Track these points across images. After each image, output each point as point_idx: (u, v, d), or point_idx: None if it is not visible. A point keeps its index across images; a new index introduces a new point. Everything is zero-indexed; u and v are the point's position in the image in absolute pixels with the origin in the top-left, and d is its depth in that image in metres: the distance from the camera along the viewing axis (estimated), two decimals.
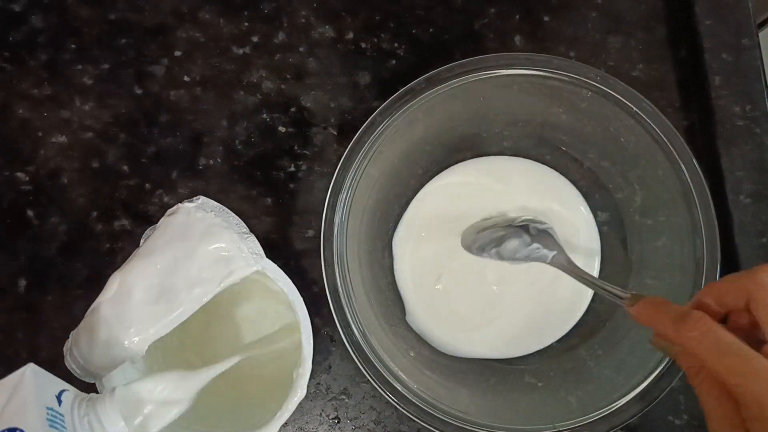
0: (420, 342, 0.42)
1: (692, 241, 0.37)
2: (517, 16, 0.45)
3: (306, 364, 0.35)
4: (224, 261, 0.33)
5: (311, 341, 0.35)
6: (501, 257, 0.39)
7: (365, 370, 0.36)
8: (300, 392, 0.35)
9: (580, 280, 0.37)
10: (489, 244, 0.40)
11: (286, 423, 0.35)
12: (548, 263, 0.39)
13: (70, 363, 0.31)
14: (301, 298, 0.35)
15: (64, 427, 0.25)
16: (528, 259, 0.39)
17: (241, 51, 0.45)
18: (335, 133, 0.45)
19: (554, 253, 0.39)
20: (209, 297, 0.32)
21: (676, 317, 0.27)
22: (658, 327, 0.29)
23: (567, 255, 0.39)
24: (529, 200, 0.42)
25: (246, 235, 0.34)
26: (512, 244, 0.39)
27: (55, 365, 0.43)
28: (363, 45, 0.45)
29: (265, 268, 0.34)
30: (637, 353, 0.38)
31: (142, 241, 0.34)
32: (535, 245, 0.39)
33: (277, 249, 0.44)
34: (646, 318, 0.30)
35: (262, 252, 0.34)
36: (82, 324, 0.32)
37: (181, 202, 0.34)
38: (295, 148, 0.45)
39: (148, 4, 0.46)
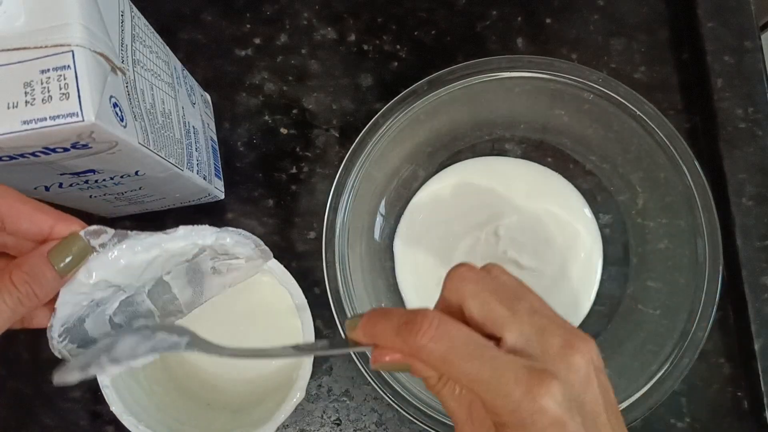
0: None
1: (694, 244, 0.37)
2: (519, 19, 0.45)
3: (306, 365, 0.35)
4: (235, 264, 0.33)
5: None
6: (117, 363, 0.26)
7: (366, 372, 0.36)
8: (299, 393, 0.35)
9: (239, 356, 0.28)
10: (95, 357, 0.26)
11: (287, 425, 0.35)
12: (184, 350, 0.28)
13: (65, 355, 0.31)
14: (305, 300, 0.35)
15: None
16: (155, 351, 0.27)
17: (243, 53, 0.46)
18: (337, 134, 0.45)
19: (186, 339, 0.28)
20: (218, 294, 0.33)
21: (400, 324, 0.23)
22: (382, 341, 0.24)
23: (201, 337, 0.29)
24: (531, 202, 0.42)
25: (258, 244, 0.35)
26: (126, 343, 0.27)
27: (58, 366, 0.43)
28: (365, 47, 0.45)
29: (272, 267, 0.34)
30: (639, 356, 0.38)
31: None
32: (162, 335, 0.27)
33: (278, 251, 0.44)
34: (370, 334, 0.24)
35: (270, 254, 0.35)
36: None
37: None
38: (297, 149, 0.45)
39: (150, 5, 0.46)
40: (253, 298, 0.41)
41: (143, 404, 0.36)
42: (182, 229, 0.32)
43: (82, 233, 0.29)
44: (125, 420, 0.33)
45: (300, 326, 0.36)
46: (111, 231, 0.31)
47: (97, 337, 0.30)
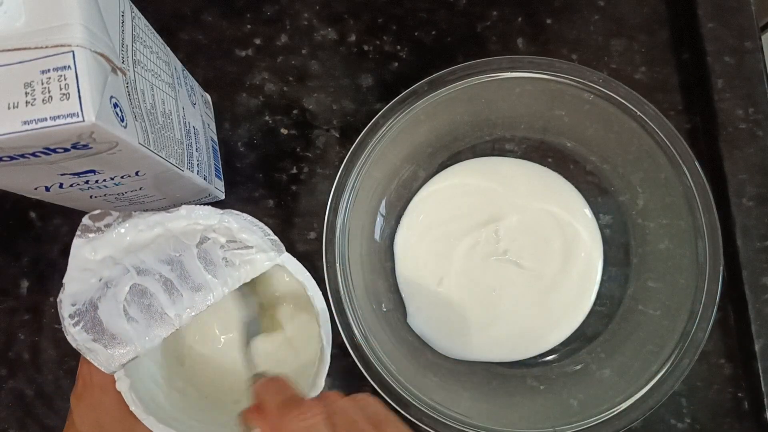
0: (422, 345, 0.42)
1: (695, 244, 0.37)
2: (520, 19, 0.45)
3: (322, 371, 0.35)
4: (247, 254, 0.34)
5: (330, 336, 0.35)
6: None
7: (367, 373, 0.36)
8: (314, 392, 0.35)
9: None
10: None
11: None
12: None
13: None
14: (320, 293, 0.36)
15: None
16: None
17: (243, 53, 0.46)
18: (337, 135, 0.45)
19: None
20: (234, 287, 0.33)
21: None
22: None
23: None
24: (531, 203, 0.42)
25: (268, 234, 0.35)
26: None
27: (59, 367, 0.43)
28: (365, 47, 0.45)
29: (285, 262, 0.35)
30: (640, 356, 0.38)
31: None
32: None
33: None
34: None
35: (282, 247, 0.35)
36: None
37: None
38: (298, 150, 0.45)
39: (151, 6, 0.46)
40: (268, 292, 0.41)
41: (159, 403, 0.36)
42: (184, 209, 0.33)
43: (86, 219, 0.29)
44: (145, 420, 0.33)
45: (313, 320, 0.36)
46: (116, 213, 0.31)
47: (114, 332, 0.31)
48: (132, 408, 0.33)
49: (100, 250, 0.31)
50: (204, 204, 0.42)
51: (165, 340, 0.32)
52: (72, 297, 0.31)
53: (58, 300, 0.30)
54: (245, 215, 0.34)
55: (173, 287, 0.32)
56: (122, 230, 0.32)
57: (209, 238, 0.33)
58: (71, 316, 0.30)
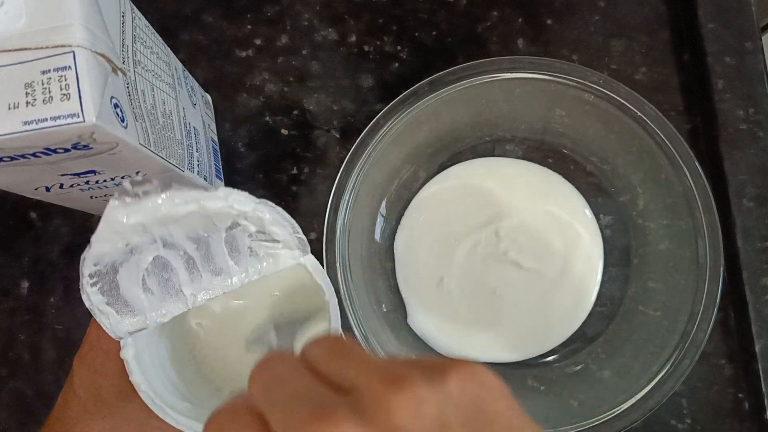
0: (422, 345, 0.42)
1: (695, 245, 0.37)
2: (520, 20, 0.45)
3: None
4: (272, 248, 0.34)
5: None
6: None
7: None
8: None
9: None
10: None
11: None
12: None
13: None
14: (336, 299, 0.36)
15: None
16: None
17: (243, 54, 0.46)
18: (338, 135, 0.45)
19: None
20: (253, 278, 0.34)
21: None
22: None
23: None
24: (531, 203, 0.42)
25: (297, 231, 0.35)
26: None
27: (60, 367, 0.43)
28: (366, 48, 0.45)
29: (308, 262, 0.35)
30: (640, 357, 0.38)
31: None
32: None
33: None
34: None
35: (308, 247, 0.35)
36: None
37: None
38: (298, 150, 0.45)
39: (151, 7, 0.46)
40: (284, 289, 0.41)
41: (159, 377, 0.36)
42: (222, 190, 0.33)
43: (126, 183, 0.30)
44: (142, 392, 0.33)
45: (326, 328, 0.36)
46: (156, 182, 0.32)
47: (128, 299, 0.31)
48: (131, 378, 0.33)
49: (133, 216, 0.32)
50: None
51: (174, 319, 0.32)
52: (96, 257, 0.31)
53: (81, 257, 0.31)
54: (279, 209, 0.35)
55: (195, 266, 0.32)
56: (159, 200, 0.32)
57: (240, 225, 0.34)
58: (91, 276, 0.31)
